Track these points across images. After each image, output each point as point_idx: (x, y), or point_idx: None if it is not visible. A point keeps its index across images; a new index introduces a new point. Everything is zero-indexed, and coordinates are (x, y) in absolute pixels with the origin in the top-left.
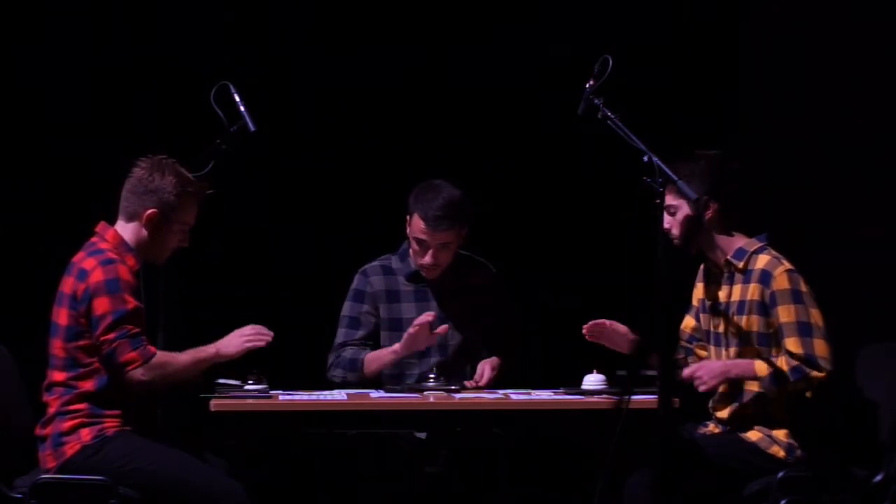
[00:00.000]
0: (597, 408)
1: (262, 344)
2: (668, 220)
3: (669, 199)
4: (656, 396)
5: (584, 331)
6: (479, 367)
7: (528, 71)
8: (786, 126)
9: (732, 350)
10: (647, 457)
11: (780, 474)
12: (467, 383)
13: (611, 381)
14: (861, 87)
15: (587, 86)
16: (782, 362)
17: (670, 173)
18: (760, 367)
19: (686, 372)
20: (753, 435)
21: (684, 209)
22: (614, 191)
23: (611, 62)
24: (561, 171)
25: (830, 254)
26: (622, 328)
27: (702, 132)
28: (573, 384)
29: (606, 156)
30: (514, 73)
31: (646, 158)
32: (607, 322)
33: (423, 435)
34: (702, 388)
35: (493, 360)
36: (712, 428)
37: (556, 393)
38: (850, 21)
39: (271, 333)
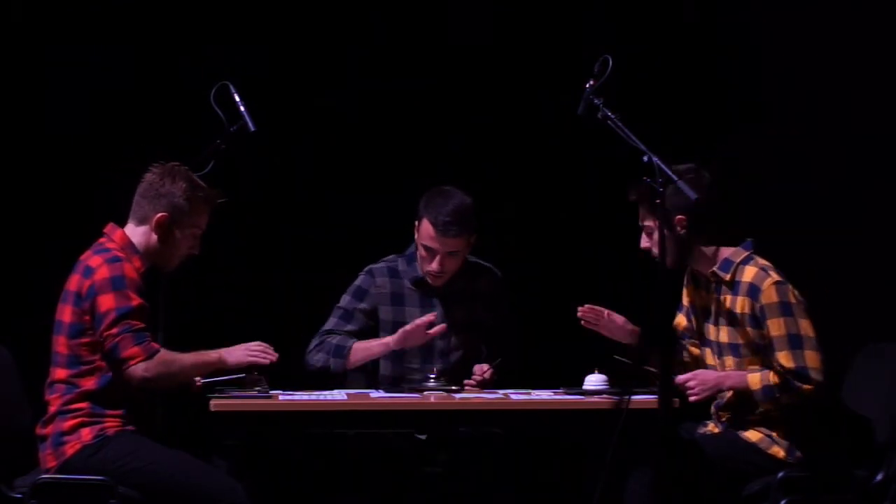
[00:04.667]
0: (597, 408)
1: (265, 362)
2: (645, 241)
3: (647, 221)
4: (656, 396)
5: (579, 314)
6: (476, 368)
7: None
8: (790, 122)
9: (729, 360)
10: (647, 457)
11: (780, 474)
12: (466, 382)
13: (612, 380)
14: (870, 85)
15: (587, 86)
16: (774, 376)
17: (670, 173)
18: (753, 380)
19: (680, 378)
20: (753, 435)
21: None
22: (615, 192)
23: (611, 62)
24: (564, 172)
25: (829, 253)
26: (619, 319)
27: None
28: (573, 384)
29: (609, 156)
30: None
31: (645, 158)
32: (605, 311)
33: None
34: (692, 399)
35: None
36: (712, 427)
37: (556, 393)
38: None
39: (276, 355)
